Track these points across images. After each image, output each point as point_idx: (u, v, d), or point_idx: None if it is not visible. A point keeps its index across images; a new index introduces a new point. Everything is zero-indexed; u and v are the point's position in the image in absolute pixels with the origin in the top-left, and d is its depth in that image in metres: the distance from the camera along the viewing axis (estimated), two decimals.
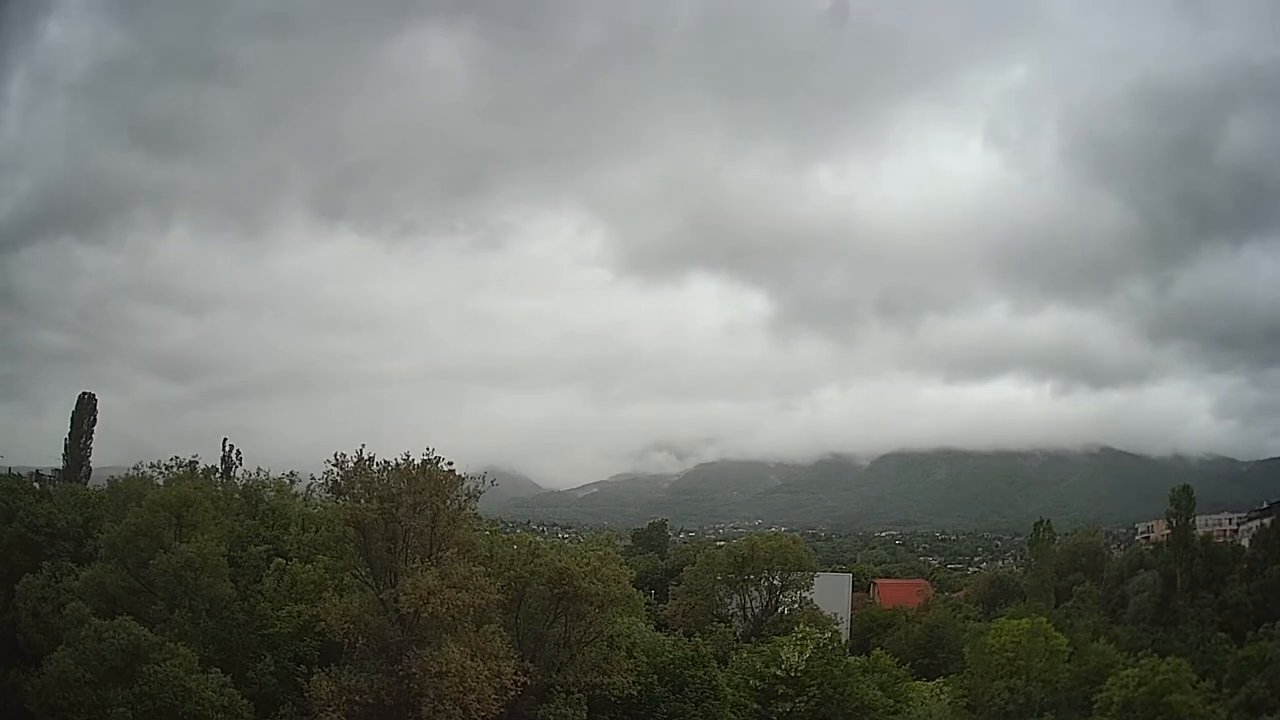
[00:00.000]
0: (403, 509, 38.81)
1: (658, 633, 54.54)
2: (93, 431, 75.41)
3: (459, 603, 37.59)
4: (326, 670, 38.27)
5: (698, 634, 55.26)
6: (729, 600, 70.49)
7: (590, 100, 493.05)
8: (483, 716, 37.27)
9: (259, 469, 58.71)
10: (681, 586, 72.28)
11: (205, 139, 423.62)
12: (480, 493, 42.10)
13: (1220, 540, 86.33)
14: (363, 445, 40.40)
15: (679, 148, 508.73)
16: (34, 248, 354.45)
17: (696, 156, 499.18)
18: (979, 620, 71.49)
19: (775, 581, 69.38)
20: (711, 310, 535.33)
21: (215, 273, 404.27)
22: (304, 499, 54.59)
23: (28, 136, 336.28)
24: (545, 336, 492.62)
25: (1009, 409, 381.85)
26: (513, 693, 39.27)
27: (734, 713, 47.84)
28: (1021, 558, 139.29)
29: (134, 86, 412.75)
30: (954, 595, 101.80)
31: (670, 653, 48.20)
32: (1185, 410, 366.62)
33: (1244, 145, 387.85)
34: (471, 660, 37.17)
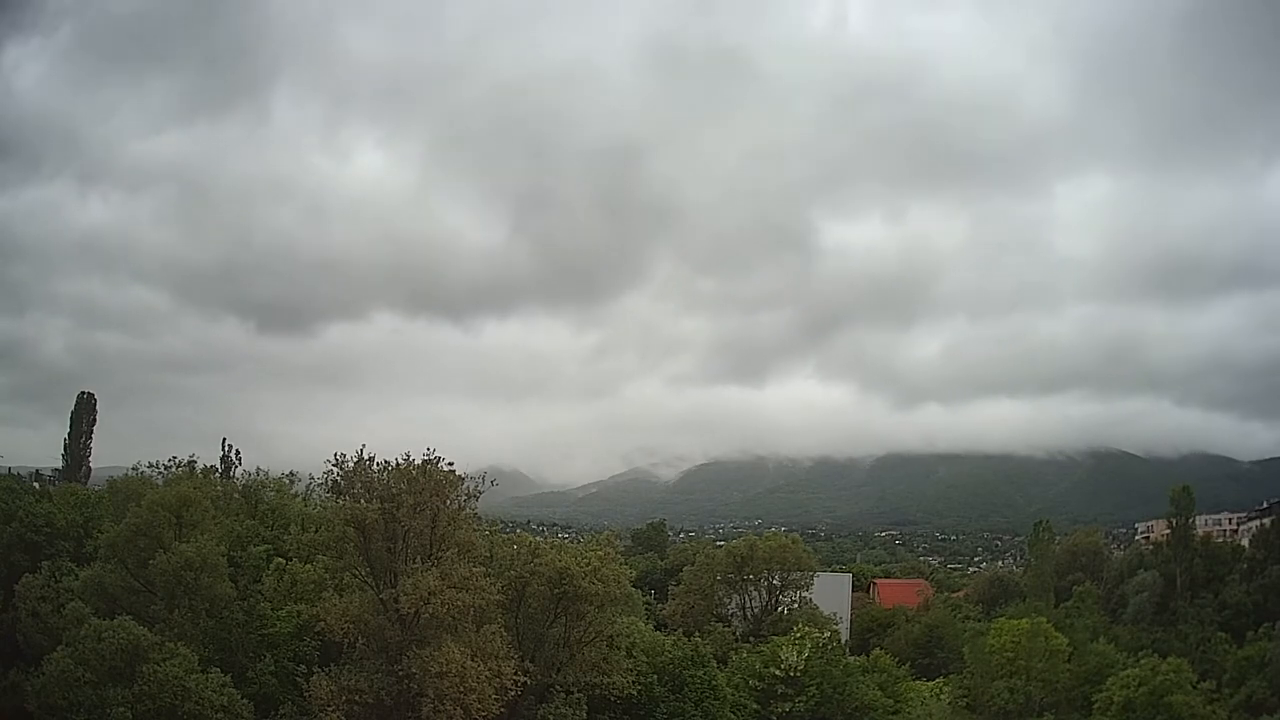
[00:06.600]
0: (403, 509, 38.77)
1: (657, 632, 54.47)
2: (92, 431, 75.61)
3: (459, 603, 37.62)
4: (326, 670, 38.30)
5: (697, 634, 55.22)
6: (728, 600, 70.54)
7: None
8: (483, 716, 37.27)
9: (259, 469, 58.89)
10: (681, 586, 72.38)
11: None
12: (480, 493, 42.00)
13: (1220, 540, 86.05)
14: (363, 445, 40.49)
15: None
16: None
17: None
18: (979, 620, 71.38)
19: (775, 581, 69.51)
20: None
21: None
22: (304, 499, 54.67)
23: None
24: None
25: (1009, 409, 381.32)
26: (513, 693, 39.30)
27: (733, 712, 47.85)
28: (1021, 558, 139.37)
29: None
30: (954, 595, 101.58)
31: (670, 652, 48.20)
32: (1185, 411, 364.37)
33: None
34: (471, 660, 37.19)
